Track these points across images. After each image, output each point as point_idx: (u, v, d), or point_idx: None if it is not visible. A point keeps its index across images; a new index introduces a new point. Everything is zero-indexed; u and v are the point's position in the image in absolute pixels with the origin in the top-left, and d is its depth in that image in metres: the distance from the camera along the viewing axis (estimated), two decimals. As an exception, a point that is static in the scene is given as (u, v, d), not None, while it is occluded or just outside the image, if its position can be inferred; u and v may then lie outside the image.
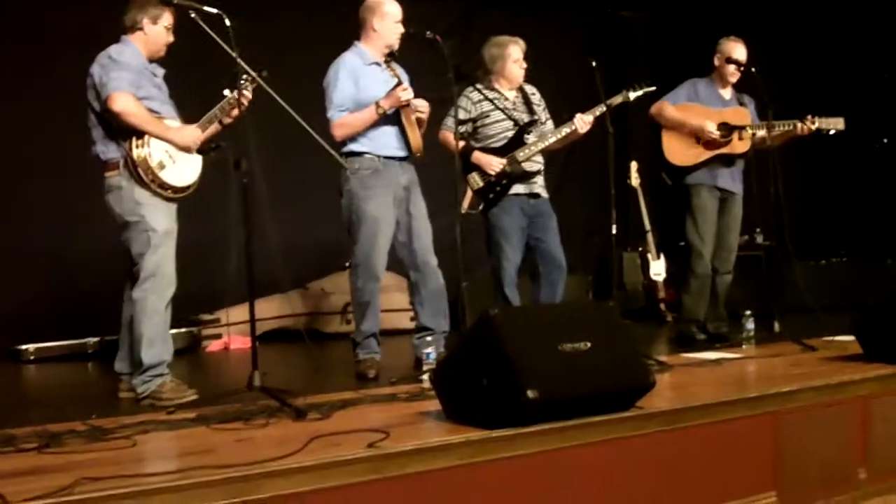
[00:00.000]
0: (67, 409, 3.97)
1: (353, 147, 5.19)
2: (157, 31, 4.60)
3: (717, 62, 6.34)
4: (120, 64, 4.43)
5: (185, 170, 4.56)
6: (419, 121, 5.27)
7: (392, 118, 5.17)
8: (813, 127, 6.12)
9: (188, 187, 4.59)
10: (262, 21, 7.79)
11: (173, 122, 4.60)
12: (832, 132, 6.16)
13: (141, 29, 4.59)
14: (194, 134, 4.58)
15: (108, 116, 4.42)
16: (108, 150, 4.49)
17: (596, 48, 8.98)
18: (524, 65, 5.75)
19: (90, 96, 4.49)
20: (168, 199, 4.53)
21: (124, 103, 4.36)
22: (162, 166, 4.45)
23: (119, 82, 4.38)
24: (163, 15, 4.58)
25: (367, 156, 5.18)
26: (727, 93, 6.39)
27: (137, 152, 4.40)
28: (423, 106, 5.22)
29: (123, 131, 4.42)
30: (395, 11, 5.26)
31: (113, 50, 4.50)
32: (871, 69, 8.83)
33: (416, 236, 5.29)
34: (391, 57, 5.27)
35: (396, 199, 5.23)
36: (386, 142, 5.20)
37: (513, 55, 5.70)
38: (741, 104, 6.38)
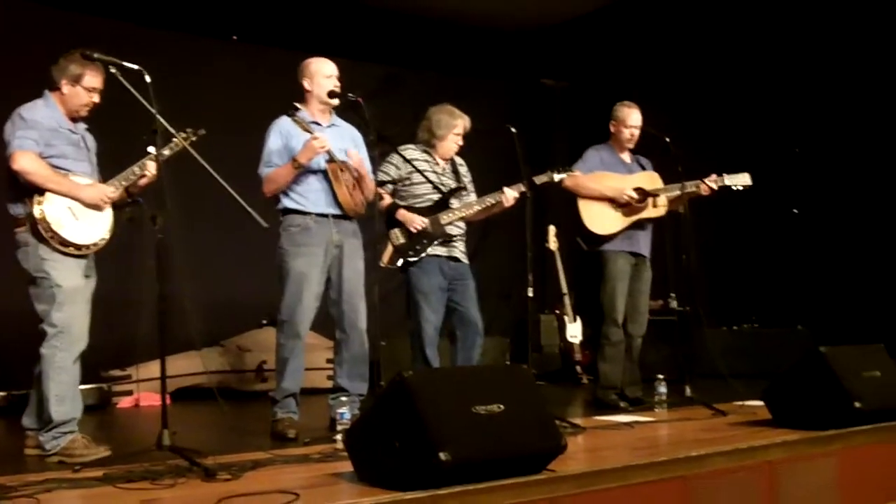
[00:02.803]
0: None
1: (285, 204, 5.22)
2: (75, 91, 4.56)
3: (613, 129, 6.46)
4: (27, 122, 4.41)
5: (90, 227, 4.52)
6: (359, 178, 5.25)
7: (321, 175, 5.20)
8: (715, 186, 6.23)
9: (94, 244, 4.54)
10: (193, 76, 7.80)
11: (84, 179, 4.55)
12: (740, 188, 6.30)
13: (59, 88, 4.56)
14: (104, 191, 4.55)
15: (12, 174, 4.39)
16: (15, 207, 4.47)
17: (519, 115, 9.17)
18: (461, 142, 5.85)
19: (5, 153, 4.45)
20: (73, 256, 4.48)
21: (23, 162, 4.35)
22: (61, 224, 4.40)
23: (22, 141, 4.37)
24: (84, 76, 4.54)
25: (298, 213, 5.20)
26: (626, 157, 6.51)
27: (38, 209, 4.38)
28: (355, 160, 5.23)
29: (27, 189, 4.40)
30: (324, 68, 5.30)
31: (24, 108, 4.48)
32: (783, 142, 9.11)
33: (346, 297, 5.26)
34: (328, 105, 5.25)
35: (328, 257, 5.22)
36: (316, 199, 5.21)
37: (457, 129, 5.79)
38: (641, 166, 6.51)
